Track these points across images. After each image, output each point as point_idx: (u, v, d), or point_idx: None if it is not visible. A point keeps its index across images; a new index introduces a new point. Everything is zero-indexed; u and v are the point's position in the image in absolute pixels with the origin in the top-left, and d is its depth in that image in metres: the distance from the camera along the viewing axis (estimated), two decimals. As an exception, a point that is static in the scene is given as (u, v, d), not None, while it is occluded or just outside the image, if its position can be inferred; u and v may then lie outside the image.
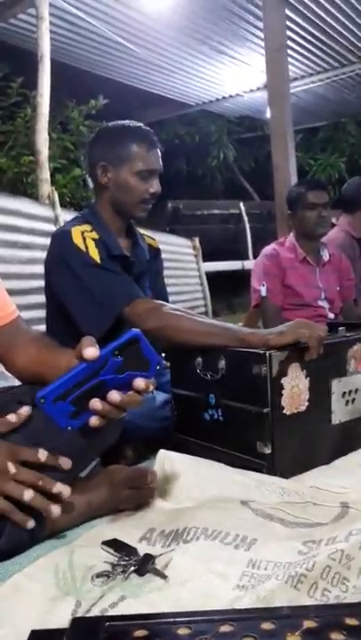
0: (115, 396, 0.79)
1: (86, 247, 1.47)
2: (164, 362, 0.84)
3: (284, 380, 1.18)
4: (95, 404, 0.79)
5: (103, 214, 1.58)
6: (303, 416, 1.22)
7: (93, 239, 1.49)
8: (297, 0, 4.38)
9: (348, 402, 1.32)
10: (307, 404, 1.22)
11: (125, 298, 1.41)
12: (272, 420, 1.15)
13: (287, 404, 1.18)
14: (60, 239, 1.52)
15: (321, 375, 1.26)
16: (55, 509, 0.81)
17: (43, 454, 0.82)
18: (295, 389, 1.20)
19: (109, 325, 1.41)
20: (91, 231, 1.51)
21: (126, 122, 1.56)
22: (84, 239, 1.49)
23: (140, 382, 0.80)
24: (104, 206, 1.59)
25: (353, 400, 1.33)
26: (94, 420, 0.80)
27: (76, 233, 1.49)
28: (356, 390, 1.34)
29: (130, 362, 0.78)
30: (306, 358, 1.20)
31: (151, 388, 0.81)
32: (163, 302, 1.47)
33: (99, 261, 1.46)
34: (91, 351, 0.78)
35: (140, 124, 1.56)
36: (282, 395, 1.17)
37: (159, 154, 1.55)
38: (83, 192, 5.44)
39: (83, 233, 1.50)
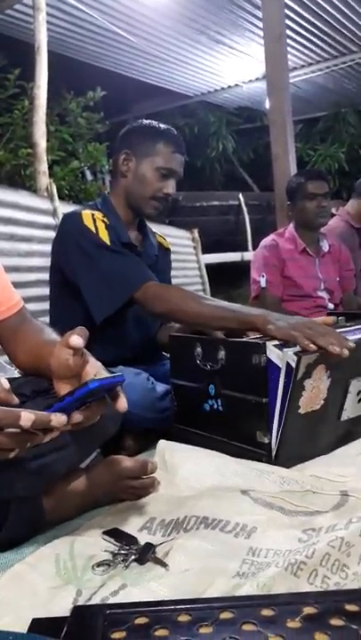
0: (77, 416, 0.75)
1: (96, 229, 1.48)
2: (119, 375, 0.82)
3: (306, 382, 1.14)
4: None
5: (116, 204, 1.60)
6: (315, 414, 1.20)
7: (104, 222, 1.51)
8: (296, -12, 4.34)
9: (360, 400, 1.30)
10: (322, 402, 1.20)
11: (137, 280, 1.42)
12: (285, 418, 1.13)
13: (304, 404, 1.16)
14: (71, 220, 1.54)
15: (342, 375, 1.23)
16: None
17: (26, 419, 0.66)
18: (315, 390, 1.17)
19: (119, 307, 1.42)
20: (102, 216, 1.52)
21: (162, 124, 1.61)
22: (95, 221, 1.50)
23: (122, 404, 0.79)
24: (118, 196, 1.61)
25: None
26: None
27: (87, 215, 1.51)
28: None
29: (90, 397, 0.76)
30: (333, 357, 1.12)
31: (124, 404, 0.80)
32: (171, 285, 1.47)
33: (108, 243, 1.47)
34: (75, 339, 0.78)
35: (174, 130, 1.61)
36: (302, 395, 1.15)
37: (182, 160, 1.59)
38: (81, 184, 5.41)
39: (93, 215, 1.51)
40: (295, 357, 1.10)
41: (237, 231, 6.55)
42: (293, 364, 1.10)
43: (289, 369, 1.11)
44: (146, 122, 1.62)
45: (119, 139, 1.62)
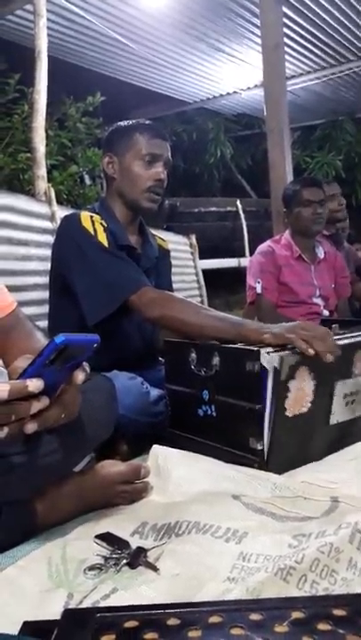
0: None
1: (95, 231, 1.48)
2: (98, 340, 0.74)
3: (291, 384, 1.16)
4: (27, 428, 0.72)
5: (113, 207, 1.60)
6: (303, 417, 1.20)
7: (102, 225, 1.50)
8: (294, -3, 4.38)
9: (348, 403, 1.31)
10: (309, 405, 1.21)
11: (133, 285, 1.42)
12: (273, 421, 1.14)
13: (290, 407, 1.17)
14: (69, 222, 1.53)
15: (327, 377, 1.24)
16: (31, 426, 0.72)
17: (2, 389, 0.67)
18: (300, 392, 1.18)
19: (113, 310, 1.42)
20: (100, 219, 1.52)
21: (137, 119, 1.61)
22: (93, 223, 1.49)
23: (79, 376, 0.77)
24: (113, 199, 1.61)
25: (353, 401, 1.33)
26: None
27: (85, 217, 1.50)
28: (358, 392, 1.33)
29: (65, 359, 0.72)
30: (326, 360, 1.14)
31: (84, 374, 0.78)
32: (169, 292, 1.47)
33: (107, 246, 1.46)
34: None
35: (149, 121, 1.60)
36: (287, 397, 1.16)
37: (165, 144, 1.57)
38: (79, 189, 5.42)
39: (92, 217, 1.51)
40: (278, 358, 1.11)
41: (235, 237, 6.56)
42: (277, 366, 1.11)
43: (276, 372, 1.12)
44: (121, 122, 1.62)
45: (102, 145, 1.63)
